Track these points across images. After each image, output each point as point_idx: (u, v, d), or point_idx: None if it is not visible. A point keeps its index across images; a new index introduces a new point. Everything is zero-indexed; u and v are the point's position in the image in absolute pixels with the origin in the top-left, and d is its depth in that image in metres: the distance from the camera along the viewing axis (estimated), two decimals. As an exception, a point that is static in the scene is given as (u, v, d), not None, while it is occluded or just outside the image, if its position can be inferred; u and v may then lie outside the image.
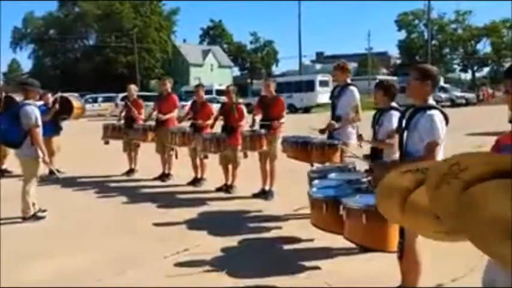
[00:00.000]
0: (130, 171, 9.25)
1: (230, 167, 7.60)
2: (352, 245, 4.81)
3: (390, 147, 4.52)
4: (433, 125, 3.26)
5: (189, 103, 8.89)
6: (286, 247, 5.01)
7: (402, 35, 68.60)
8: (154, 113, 8.79)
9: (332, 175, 4.19)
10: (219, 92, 29.45)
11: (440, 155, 3.31)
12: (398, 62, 73.62)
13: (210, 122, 7.95)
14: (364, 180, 3.92)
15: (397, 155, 4.53)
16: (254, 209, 6.51)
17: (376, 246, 3.14)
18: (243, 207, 6.64)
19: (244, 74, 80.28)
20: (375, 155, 4.75)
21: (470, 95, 40.68)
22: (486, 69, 66.73)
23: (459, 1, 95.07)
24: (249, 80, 73.01)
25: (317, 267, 4.42)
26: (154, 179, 8.70)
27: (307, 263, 4.52)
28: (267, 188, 7.18)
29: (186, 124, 8.40)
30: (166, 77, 9.46)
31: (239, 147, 7.30)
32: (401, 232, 3.15)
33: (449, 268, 4.15)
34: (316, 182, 3.91)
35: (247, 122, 7.29)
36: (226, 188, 7.62)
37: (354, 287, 3.93)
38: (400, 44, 68.60)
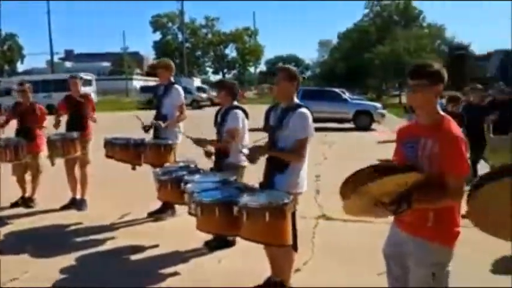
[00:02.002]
0: None
1: (28, 177, 6.59)
2: (199, 246, 4.84)
3: (231, 144, 4.64)
4: (306, 122, 3.51)
5: None
6: (135, 257, 4.66)
7: (157, 36, 70.18)
8: None
9: (197, 177, 4.08)
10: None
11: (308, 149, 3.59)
12: (155, 62, 74.95)
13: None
14: (232, 179, 3.95)
15: (243, 157, 4.71)
16: (72, 221, 5.80)
17: (278, 242, 3.18)
18: (58, 221, 5.85)
19: (-19, 70, 69.67)
20: (219, 156, 4.79)
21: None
22: (234, 72, 73.52)
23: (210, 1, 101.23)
24: (-12, 78, 63.78)
25: (176, 273, 4.28)
26: None
27: (164, 271, 4.32)
28: (78, 197, 6.49)
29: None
30: None
31: (42, 154, 6.40)
32: (294, 226, 3.32)
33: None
34: (189, 185, 3.75)
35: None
36: (25, 201, 6.57)
37: (227, 286, 3.95)
38: (156, 45, 69.96)
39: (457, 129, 2.47)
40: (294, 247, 3.39)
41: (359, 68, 50.43)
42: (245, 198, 3.18)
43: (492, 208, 1.76)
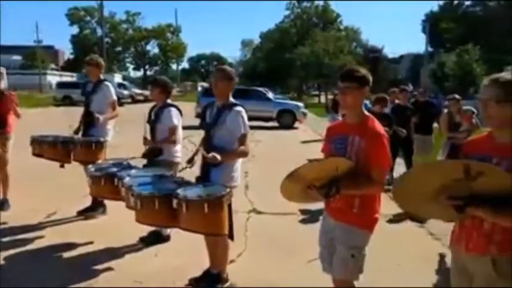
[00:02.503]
0: None
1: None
2: (134, 242, 4.88)
3: (172, 144, 4.75)
4: (242, 119, 3.72)
5: None
6: (67, 255, 4.60)
7: (74, 29, 67.18)
8: None
9: (133, 172, 4.15)
10: None
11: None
12: (72, 57, 71.69)
13: None
14: (168, 174, 4.06)
15: (178, 154, 4.84)
16: (-6, 222, 5.56)
17: (216, 232, 3.34)
18: (-21, 222, 5.58)
19: None
20: (153, 153, 4.83)
21: (148, 92, 43.57)
22: (156, 68, 72.09)
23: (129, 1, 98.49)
24: None
25: (110, 269, 4.30)
26: None
27: (98, 267, 4.33)
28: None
29: None
30: None
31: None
32: (230, 217, 3.50)
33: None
34: (127, 179, 3.79)
35: None
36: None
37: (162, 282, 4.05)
38: (74, 39, 66.94)
39: (380, 128, 2.79)
40: (231, 237, 3.58)
41: (280, 67, 51.72)
42: (184, 191, 3.33)
43: (415, 191, 2.06)
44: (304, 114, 20.43)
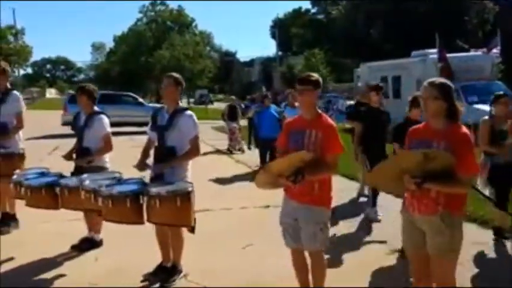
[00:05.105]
0: None
1: None
2: (66, 250, 4.83)
3: (109, 151, 4.90)
4: (194, 122, 4.10)
5: None
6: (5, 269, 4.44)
7: None
8: None
9: (85, 176, 4.21)
10: None
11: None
12: None
13: None
14: (119, 176, 4.25)
15: (107, 159, 4.96)
16: None
17: (185, 223, 3.70)
18: None
19: None
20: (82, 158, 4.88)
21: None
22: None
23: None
24: None
25: (61, 275, 4.32)
26: None
27: (46, 276, 4.30)
28: None
29: None
30: None
31: None
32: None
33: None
34: (87, 182, 3.91)
35: None
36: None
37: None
38: None
39: (330, 120, 3.43)
40: (193, 230, 3.93)
41: (137, 71, 50.83)
42: (155, 189, 3.65)
43: (385, 175, 2.78)
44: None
